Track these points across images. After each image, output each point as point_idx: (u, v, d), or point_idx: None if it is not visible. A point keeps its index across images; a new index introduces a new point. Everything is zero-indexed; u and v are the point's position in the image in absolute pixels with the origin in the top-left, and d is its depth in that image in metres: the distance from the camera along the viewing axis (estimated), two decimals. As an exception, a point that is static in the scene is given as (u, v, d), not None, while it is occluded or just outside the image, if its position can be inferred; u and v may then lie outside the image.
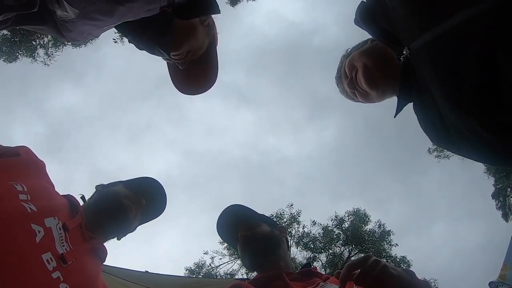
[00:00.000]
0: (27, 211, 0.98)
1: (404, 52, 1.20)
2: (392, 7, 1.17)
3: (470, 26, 1.01)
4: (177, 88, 1.50)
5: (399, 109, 1.35)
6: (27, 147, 1.24)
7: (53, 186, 1.25)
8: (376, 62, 1.34)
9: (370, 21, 1.31)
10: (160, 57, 1.42)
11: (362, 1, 1.33)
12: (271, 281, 1.48)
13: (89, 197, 1.46)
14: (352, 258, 18.63)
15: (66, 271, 1.00)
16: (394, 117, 1.37)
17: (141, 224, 1.53)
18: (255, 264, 1.61)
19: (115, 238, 1.41)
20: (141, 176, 1.59)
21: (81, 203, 1.40)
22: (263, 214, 1.84)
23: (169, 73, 1.47)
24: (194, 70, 1.41)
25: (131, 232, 1.47)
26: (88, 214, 1.27)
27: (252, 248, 1.59)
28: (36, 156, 1.25)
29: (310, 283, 1.46)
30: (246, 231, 1.64)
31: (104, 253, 1.29)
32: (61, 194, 1.27)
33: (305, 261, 17.60)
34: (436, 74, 1.11)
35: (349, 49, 1.50)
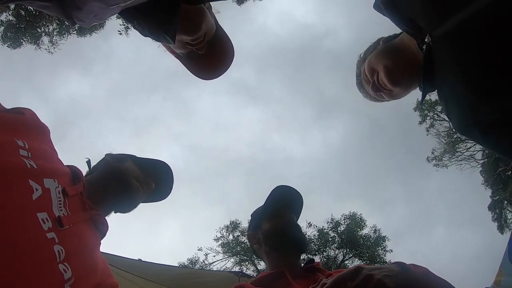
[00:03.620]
0: (27, 166, 0.93)
1: (426, 40, 1.18)
2: None
3: (497, 9, 0.98)
4: (200, 77, 1.46)
5: (424, 96, 1.36)
6: (32, 110, 1.18)
7: (56, 153, 1.19)
8: (395, 61, 1.34)
9: (391, 7, 1.29)
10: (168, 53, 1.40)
11: None
12: (273, 281, 1.47)
13: (95, 164, 1.42)
14: (346, 262, 18.62)
15: (62, 234, 0.94)
16: (421, 104, 1.37)
17: (142, 203, 1.48)
18: (293, 248, 1.59)
19: (112, 212, 1.36)
20: (154, 158, 1.56)
21: (86, 168, 1.36)
22: None
23: (185, 65, 1.43)
24: (212, 50, 1.37)
25: (131, 210, 1.42)
26: (93, 186, 1.23)
27: (301, 235, 1.62)
28: (40, 120, 1.18)
29: (313, 280, 1.43)
30: (297, 219, 1.68)
31: (105, 226, 1.23)
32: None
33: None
34: (459, 61, 1.09)
35: (362, 54, 1.50)
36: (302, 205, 1.74)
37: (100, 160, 1.43)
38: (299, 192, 1.73)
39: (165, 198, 1.59)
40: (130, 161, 1.41)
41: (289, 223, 1.61)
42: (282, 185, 1.72)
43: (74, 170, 1.19)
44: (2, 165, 0.88)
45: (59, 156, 1.18)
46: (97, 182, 1.27)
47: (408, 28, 1.27)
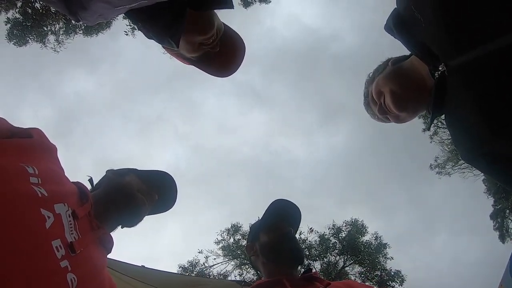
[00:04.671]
0: (38, 195, 0.93)
1: (440, 68, 1.16)
2: (425, 24, 1.13)
3: None
4: (220, 76, 1.46)
5: (431, 121, 1.36)
6: (40, 130, 1.19)
7: (64, 171, 1.20)
8: (402, 85, 1.33)
9: (404, 31, 1.26)
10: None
11: (395, 8, 1.29)
12: None
13: (97, 181, 1.42)
14: (347, 268, 18.60)
15: (74, 261, 0.95)
16: (428, 129, 1.36)
17: (146, 215, 1.48)
18: (289, 260, 1.59)
19: (119, 227, 1.37)
20: (156, 169, 1.55)
21: (89, 185, 1.36)
22: None
23: (201, 68, 1.43)
24: (224, 46, 1.37)
25: (137, 224, 1.42)
26: (98, 203, 1.23)
27: (298, 247, 1.63)
28: (48, 140, 1.20)
29: None
30: (295, 232, 1.69)
31: (111, 243, 1.25)
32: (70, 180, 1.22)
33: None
34: (474, 94, 1.07)
35: (371, 73, 1.49)
36: (300, 218, 1.77)
37: (102, 177, 1.43)
38: (297, 206, 1.76)
39: (169, 209, 1.59)
40: (132, 175, 1.41)
41: (285, 236, 1.63)
42: (281, 199, 1.75)
43: (81, 188, 1.19)
44: (14, 196, 0.88)
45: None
46: (101, 199, 1.27)
47: (420, 53, 1.24)
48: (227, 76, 1.49)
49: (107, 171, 1.44)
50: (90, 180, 1.40)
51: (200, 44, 1.27)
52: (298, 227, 1.77)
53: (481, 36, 1.02)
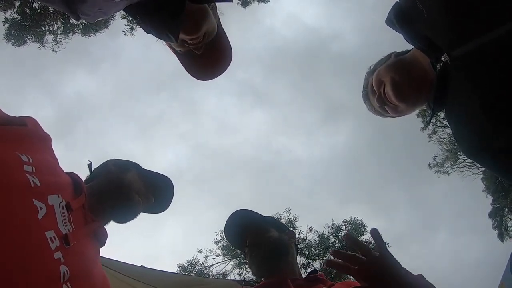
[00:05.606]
0: (31, 185, 0.91)
1: (443, 59, 1.15)
2: (428, 15, 1.12)
3: None
4: (195, 77, 1.45)
5: (432, 116, 1.34)
6: (34, 118, 1.17)
7: (58, 162, 1.18)
8: (404, 75, 1.32)
9: (405, 24, 1.25)
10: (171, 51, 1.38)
11: (396, 1, 1.28)
12: None
13: (95, 167, 1.41)
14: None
15: (67, 253, 0.93)
16: (428, 124, 1.35)
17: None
18: (263, 270, 1.56)
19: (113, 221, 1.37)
20: (159, 172, 1.54)
21: (87, 172, 1.36)
22: (272, 217, 1.81)
23: (183, 64, 1.42)
24: (211, 52, 1.36)
25: (129, 222, 1.41)
26: (94, 196, 1.22)
27: (260, 255, 1.55)
28: (42, 129, 1.18)
29: None
30: (254, 237, 1.60)
31: (105, 236, 1.24)
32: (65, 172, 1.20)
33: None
34: (477, 84, 1.06)
35: (373, 66, 1.48)
36: (249, 216, 1.69)
37: (102, 165, 1.41)
38: (236, 214, 1.69)
39: (160, 212, 1.58)
40: (134, 172, 1.40)
41: (249, 254, 1.58)
42: (224, 227, 1.69)
43: (75, 179, 1.18)
44: (7, 185, 0.86)
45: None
46: (98, 192, 1.26)
47: (422, 45, 1.24)
48: (203, 81, 1.48)
49: (109, 161, 1.42)
50: (89, 165, 1.39)
51: (183, 40, 1.27)
52: (256, 223, 1.67)
53: (485, 24, 1.01)
